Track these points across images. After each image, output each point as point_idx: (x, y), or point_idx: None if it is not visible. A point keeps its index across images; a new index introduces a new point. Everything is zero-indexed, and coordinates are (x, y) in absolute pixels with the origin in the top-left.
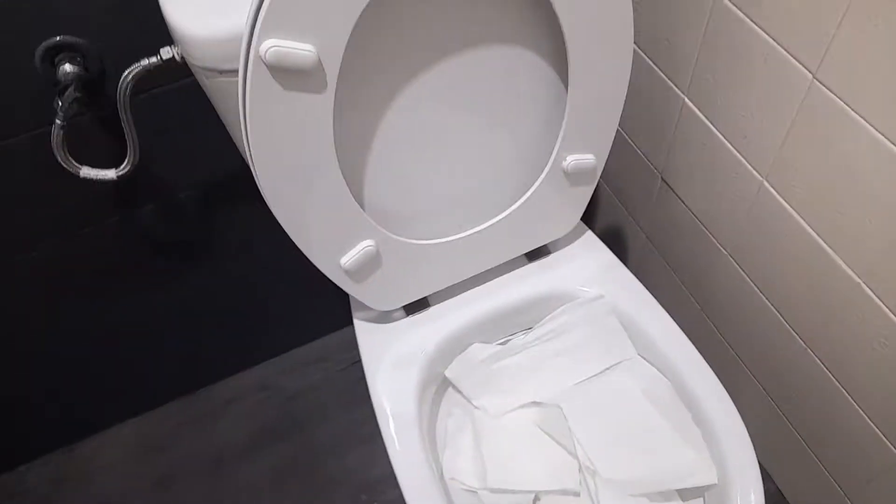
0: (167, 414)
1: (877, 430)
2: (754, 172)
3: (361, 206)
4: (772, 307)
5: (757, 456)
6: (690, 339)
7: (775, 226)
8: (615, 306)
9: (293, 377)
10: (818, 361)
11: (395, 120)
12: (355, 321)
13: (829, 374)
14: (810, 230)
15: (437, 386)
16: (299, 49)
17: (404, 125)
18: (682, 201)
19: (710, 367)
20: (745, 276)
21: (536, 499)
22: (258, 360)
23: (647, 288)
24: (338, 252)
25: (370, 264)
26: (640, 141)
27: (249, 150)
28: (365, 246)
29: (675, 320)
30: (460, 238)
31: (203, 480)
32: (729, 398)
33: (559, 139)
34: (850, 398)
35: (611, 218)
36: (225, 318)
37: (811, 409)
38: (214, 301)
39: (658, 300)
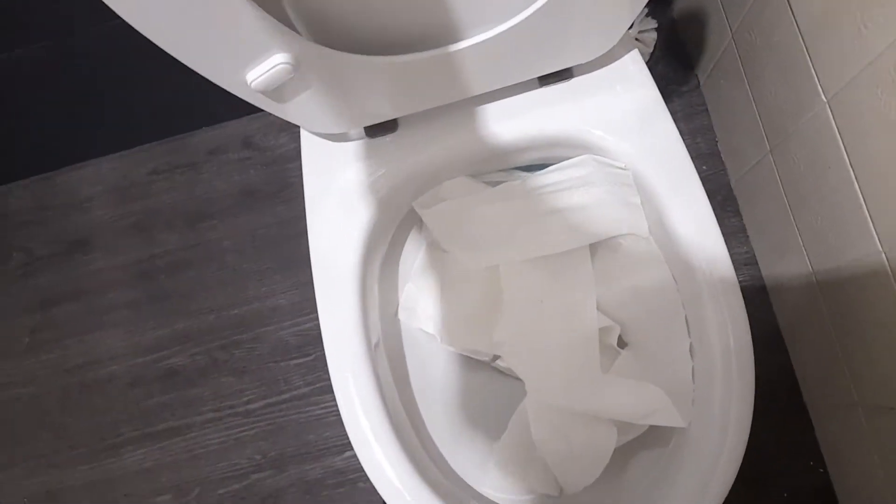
0: (148, 156)
1: None
2: None
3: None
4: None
5: None
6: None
7: None
8: (638, 172)
9: (280, 138)
10: None
11: None
12: (301, 130)
13: None
14: None
15: (403, 219)
16: None
17: None
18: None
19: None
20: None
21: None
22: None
23: (709, 109)
24: (236, 67)
25: (293, 84)
26: None
27: None
28: (276, 63)
29: (734, 158)
30: (435, 56)
31: (179, 231)
32: (749, 340)
33: None
34: None
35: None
36: None
37: None
38: None
39: (720, 122)
